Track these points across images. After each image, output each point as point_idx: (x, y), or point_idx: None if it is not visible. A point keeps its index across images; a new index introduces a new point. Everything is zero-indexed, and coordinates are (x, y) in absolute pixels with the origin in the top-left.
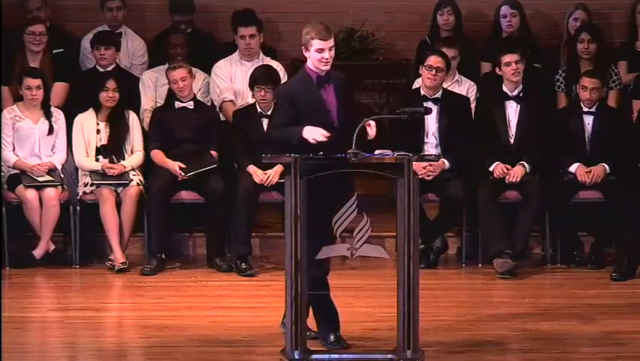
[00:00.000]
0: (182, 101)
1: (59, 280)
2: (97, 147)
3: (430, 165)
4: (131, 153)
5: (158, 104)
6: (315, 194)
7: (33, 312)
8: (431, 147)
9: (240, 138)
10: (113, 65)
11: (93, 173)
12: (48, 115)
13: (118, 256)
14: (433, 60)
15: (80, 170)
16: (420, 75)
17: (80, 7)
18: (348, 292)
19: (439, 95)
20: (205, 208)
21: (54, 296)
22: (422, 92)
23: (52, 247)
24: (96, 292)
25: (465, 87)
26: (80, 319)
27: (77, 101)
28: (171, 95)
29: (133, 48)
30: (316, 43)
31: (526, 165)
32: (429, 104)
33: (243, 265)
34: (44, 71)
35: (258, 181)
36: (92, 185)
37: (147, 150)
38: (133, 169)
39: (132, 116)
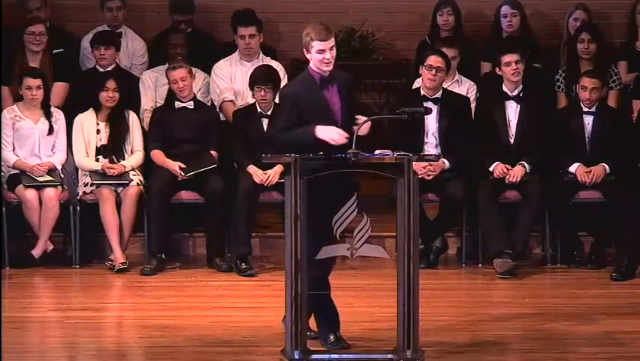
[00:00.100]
0: (182, 101)
1: (59, 280)
2: (97, 147)
3: (430, 165)
4: (131, 153)
5: (158, 104)
6: (319, 194)
7: (33, 312)
8: (431, 147)
9: (240, 138)
10: (113, 65)
11: (93, 173)
12: (48, 115)
13: (118, 256)
14: (433, 60)
15: (79, 170)
16: (420, 75)
17: (80, 7)
18: (348, 292)
19: (439, 95)
20: (205, 208)
21: (54, 296)
22: (422, 92)
23: (51, 247)
24: (96, 292)
25: (465, 87)
26: (80, 319)
27: (77, 101)
28: (171, 95)
29: (133, 48)
30: (316, 45)
31: (526, 165)
32: (429, 104)
33: (243, 265)
34: (44, 71)
35: (258, 181)
36: (92, 185)
37: (147, 150)
38: (133, 169)
39: (132, 116)
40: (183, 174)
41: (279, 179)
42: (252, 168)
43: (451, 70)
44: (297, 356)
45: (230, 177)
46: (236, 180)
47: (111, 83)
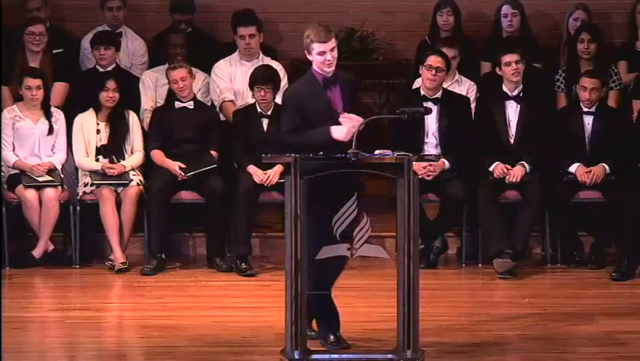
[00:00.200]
0: (182, 101)
1: (59, 280)
2: (97, 147)
3: (430, 165)
4: (131, 153)
5: (158, 104)
6: (319, 194)
7: (33, 312)
8: (431, 147)
9: (240, 138)
10: (113, 65)
11: (93, 173)
12: (48, 115)
13: (118, 256)
14: (433, 60)
15: (79, 170)
16: (420, 75)
17: (80, 7)
18: (348, 292)
19: (439, 95)
20: (205, 208)
21: (54, 296)
22: (422, 92)
23: (52, 247)
24: (96, 292)
25: (465, 87)
26: (80, 319)
27: (77, 101)
28: (171, 95)
29: (133, 48)
30: (317, 47)
31: (526, 165)
32: (429, 104)
33: (243, 265)
34: (44, 71)
35: (258, 181)
36: (92, 185)
37: (147, 150)
38: (133, 169)
39: (132, 116)
40: (183, 174)
41: (279, 179)
42: (252, 168)
43: (451, 70)
44: (297, 356)
45: (230, 177)
46: (236, 180)
47: (111, 83)
